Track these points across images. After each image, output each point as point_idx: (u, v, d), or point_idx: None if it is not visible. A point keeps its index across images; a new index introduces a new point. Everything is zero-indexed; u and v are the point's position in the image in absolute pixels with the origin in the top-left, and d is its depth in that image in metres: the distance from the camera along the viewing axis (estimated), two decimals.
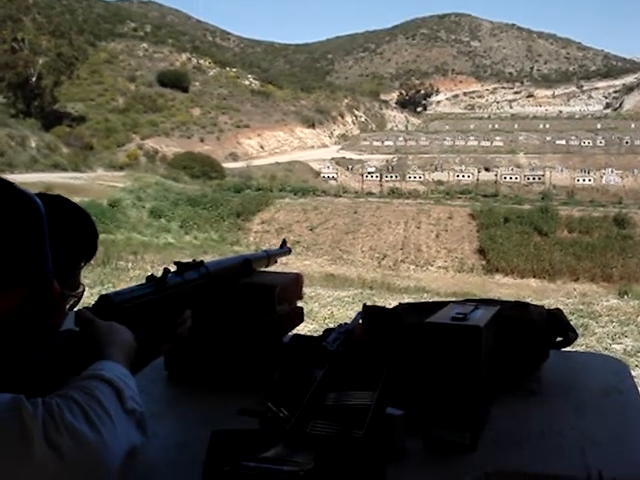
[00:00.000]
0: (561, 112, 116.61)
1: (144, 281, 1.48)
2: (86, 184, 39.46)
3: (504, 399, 2.12)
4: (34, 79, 64.54)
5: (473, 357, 1.77)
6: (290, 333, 2.60)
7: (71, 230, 1.25)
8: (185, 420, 2.20)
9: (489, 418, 1.98)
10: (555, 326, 2.29)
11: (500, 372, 2.08)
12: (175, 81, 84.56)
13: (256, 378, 2.33)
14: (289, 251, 2.62)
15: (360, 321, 2.31)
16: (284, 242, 2.65)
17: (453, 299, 2.40)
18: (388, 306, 2.45)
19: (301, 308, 2.67)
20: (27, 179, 31.97)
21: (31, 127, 55.27)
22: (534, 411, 2.12)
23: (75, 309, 1.26)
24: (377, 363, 1.72)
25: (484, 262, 33.45)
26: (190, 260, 1.73)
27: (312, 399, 1.51)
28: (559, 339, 2.33)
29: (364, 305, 2.31)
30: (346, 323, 2.36)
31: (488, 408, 1.99)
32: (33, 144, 51.01)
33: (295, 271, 2.75)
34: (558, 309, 2.36)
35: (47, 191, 1.30)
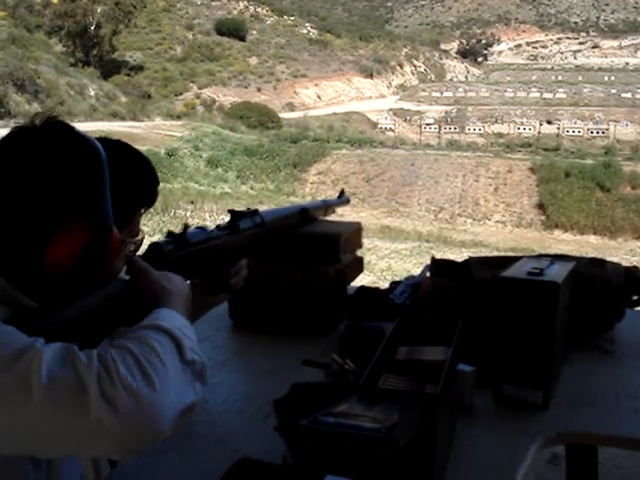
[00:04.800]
0: (628, 64, 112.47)
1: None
2: (144, 133, 39.82)
3: (577, 358, 2.06)
4: (93, 28, 64.84)
5: (549, 314, 1.70)
6: (354, 284, 2.57)
7: (131, 176, 1.21)
8: (250, 369, 2.20)
9: (561, 377, 1.92)
10: (632, 284, 2.20)
11: (574, 330, 2.01)
12: (233, 30, 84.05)
13: (321, 327, 2.32)
14: (347, 201, 2.55)
15: (427, 274, 2.26)
16: (342, 192, 2.57)
17: (512, 254, 2.33)
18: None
19: (361, 258, 2.64)
20: (86, 127, 32.00)
21: (90, 76, 55.77)
22: (608, 371, 2.05)
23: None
24: (449, 318, 1.66)
25: (543, 217, 32.85)
26: (248, 207, 1.69)
27: (383, 353, 1.47)
28: (635, 298, 2.24)
29: (432, 258, 2.25)
30: (413, 276, 2.31)
31: (561, 367, 1.93)
32: (92, 93, 51.50)
33: (356, 221, 2.71)
34: (635, 267, 2.27)
35: None
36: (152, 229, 13.40)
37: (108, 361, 0.91)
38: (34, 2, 71.82)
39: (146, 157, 1.30)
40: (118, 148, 1.22)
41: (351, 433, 1.08)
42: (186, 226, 1.35)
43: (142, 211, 1.28)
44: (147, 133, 39.95)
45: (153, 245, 1.26)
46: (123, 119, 46.76)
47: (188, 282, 1.26)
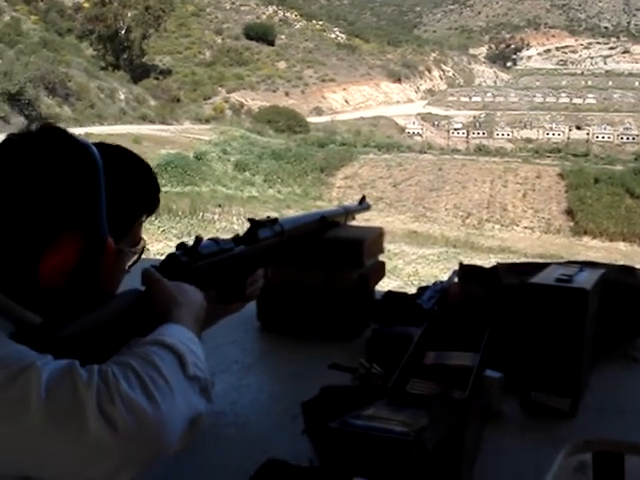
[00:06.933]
0: None
1: (229, 234, 1.44)
2: (173, 136, 40.15)
3: (605, 365, 2.04)
4: (123, 32, 65.44)
5: (578, 321, 1.70)
6: (381, 289, 2.58)
7: (130, 182, 1.15)
8: (277, 372, 2.22)
9: (589, 384, 1.91)
10: None
11: (602, 337, 2.00)
12: (261, 34, 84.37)
13: (347, 331, 2.33)
14: (368, 207, 2.55)
15: (455, 280, 2.26)
16: (363, 198, 2.58)
17: (540, 260, 2.32)
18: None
19: (383, 262, 2.65)
20: (116, 130, 32.74)
21: (120, 80, 56.33)
22: (636, 379, 2.03)
23: (143, 268, 1.19)
24: (477, 323, 1.66)
25: (572, 224, 32.61)
26: (269, 215, 1.69)
27: (411, 357, 1.48)
28: None
29: (460, 264, 2.25)
30: (441, 281, 2.32)
31: (589, 374, 1.92)
32: (122, 96, 52.04)
33: (379, 226, 2.72)
34: None
35: (135, 142, 1.25)
36: (180, 232, 13.51)
37: (109, 378, 0.89)
38: (65, 6, 72.64)
39: (146, 163, 1.24)
40: (116, 154, 1.17)
41: (380, 436, 1.09)
42: (198, 238, 1.31)
43: (143, 219, 1.22)
44: (176, 136, 40.28)
45: (170, 256, 1.25)
46: (152, 122, 47.24)
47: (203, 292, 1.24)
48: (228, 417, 1.82)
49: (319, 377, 1.88)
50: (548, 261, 2.21)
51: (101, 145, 1.14)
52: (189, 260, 1.26)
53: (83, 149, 1.08)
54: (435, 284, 2.29)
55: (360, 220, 2.54)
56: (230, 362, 2.17)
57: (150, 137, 35.14)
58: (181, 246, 1.29)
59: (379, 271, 2.61)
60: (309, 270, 2.36)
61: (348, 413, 1.15)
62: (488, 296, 2.06)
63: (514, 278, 2.05)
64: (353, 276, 2.36)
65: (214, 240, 1.38)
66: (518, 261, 2.48)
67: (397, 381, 1.34)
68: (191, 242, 1.31)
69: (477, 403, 1.44)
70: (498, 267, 2.18)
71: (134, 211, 1.18)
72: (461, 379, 1.38)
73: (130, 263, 1.20)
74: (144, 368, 0.93)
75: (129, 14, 65.48)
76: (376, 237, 2.51)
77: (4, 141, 1.08)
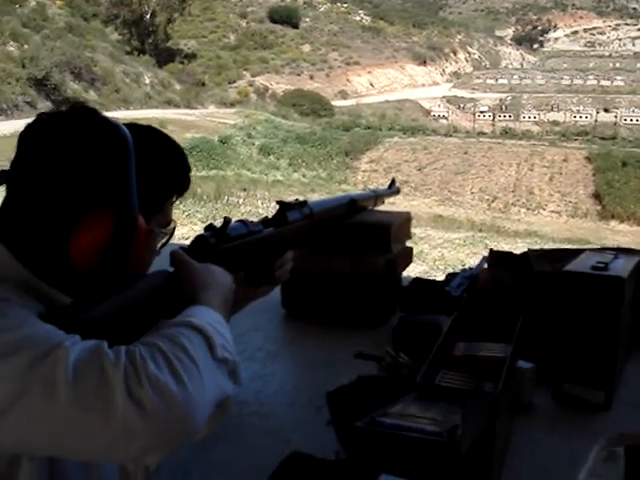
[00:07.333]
0: None
1: (254, 218, 1.43)
2: (198, 120, 40.20)
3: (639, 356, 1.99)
4: (148, 16, 65.44)
5: (613, 310, 1.64)
6: (407, 275, 2.54)
7: (161, 163, 1.15)
8: (302, 360, 2.19)
9: (624, 376, 1.85)
10: None
11: (637, 327, 1.94)
12: (286, 17, 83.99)
13: (373, 319, 2.29)
14: (398, 191, 2.51)
15: (485, 266, 2.20)
16: (393, 181, 2.53)
17: (568, 245, 2.25)
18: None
19: (411, 248, 2.61)
20: (142, 115, 32.83)
21: (145, 64, 56.32)
22: None
23: (171, 250, 1.19)
24: (508, 312, 1.61)
25: (599, 207, 32.23)
26: (297, 198, 1.66)
27: (440, 348, 1.43)
28: None
29: (490, 250, 2.19)
30: (470, 268, 2.26)
31: (624, 365, 1.86)
32: (147, 81, 52.04)
33: (405, 210, 2.67)
34: None
35: (161, 127, 1.22)
36: (205, 216, 13.49)
37: (136, 359, 0.88)
38: None
39: (177, 143, 1.23)
40: (148, 134, 1.17)
41: (412, 437, 1.04)
42: (227, 220, 1.31)
43: (173, 199, 1.22)
44: (201, 121, 40.33)
45: (199, 237, 1.24)
46: (177, 107, 47.34)
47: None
48: (252, 406, 1.79)
49: (344, 366, 1.84)
50: (580, 247, 2.15)
51: (132, 125, 1.14)
52: (217, 242, 1.25)
53: (113, 129, 1.07)
54: (464, 270, 2.24)
55: (385, 204, 2.49)
56: (254, 350, 2.14)
57: (175, 121, 35.17)
58: (210, 227, 1.28)
59: (406, 257, 2.56)
60: (335, 255, 2.33)
61: (376, 410, 1.10)
62: (518, 283, 2.01)
63: (546, 265, 1.99)
64: (380, 262, 2.32)
65: (243, 222, 1.36)
66: (549, 247, 2.42)
67: (426, 374, 1.29)
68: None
69: (509, 396, 1.39)
70: (529, 253, 2.12)
71: (165, 191, 1.18)
72: (492, 371, 1.33)
73: (161, 244, 1.21)
74: (172, 349, 0.92)
75: None
76: (403, 222, 2.47)
77: (35, 121, 1.08)
